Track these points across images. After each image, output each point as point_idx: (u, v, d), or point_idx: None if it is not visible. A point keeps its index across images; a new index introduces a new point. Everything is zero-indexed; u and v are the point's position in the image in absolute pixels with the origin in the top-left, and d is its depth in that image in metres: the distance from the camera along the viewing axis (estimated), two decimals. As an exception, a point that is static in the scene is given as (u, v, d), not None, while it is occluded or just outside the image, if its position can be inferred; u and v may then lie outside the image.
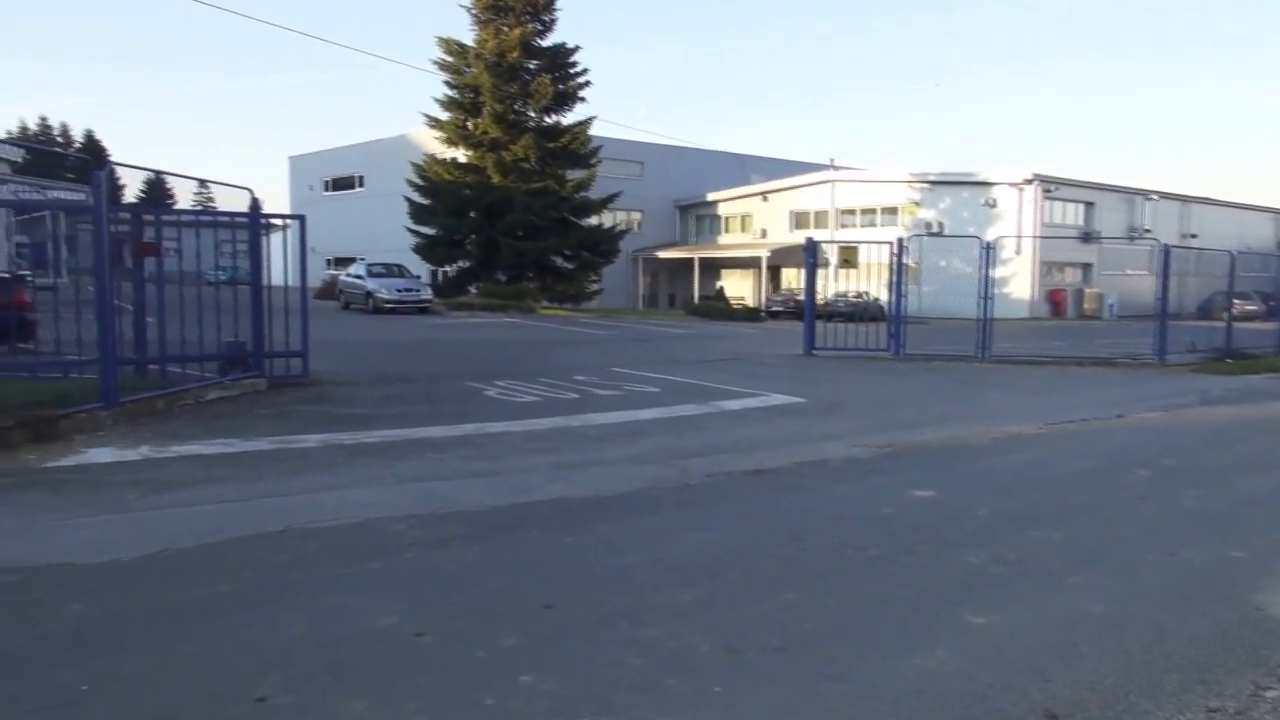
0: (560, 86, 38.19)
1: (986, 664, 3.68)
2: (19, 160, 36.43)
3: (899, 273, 18.45)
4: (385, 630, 3.89)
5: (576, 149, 38.37)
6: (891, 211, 44.24)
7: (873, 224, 44.35)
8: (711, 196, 51.92)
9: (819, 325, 18.75)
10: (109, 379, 8.76)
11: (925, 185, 43.37)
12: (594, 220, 40.11)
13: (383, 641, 3.78)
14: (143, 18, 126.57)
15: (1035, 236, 38.23)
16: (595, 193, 38.89)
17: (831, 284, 23.45)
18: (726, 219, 52.68)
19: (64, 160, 51.81)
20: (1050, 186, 41.43)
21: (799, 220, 47.65)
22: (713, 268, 49.74)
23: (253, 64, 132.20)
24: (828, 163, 50.29)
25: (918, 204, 43.37)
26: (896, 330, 18.23)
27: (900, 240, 18.96)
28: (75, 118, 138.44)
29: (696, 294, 46.29)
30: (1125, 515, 6.29)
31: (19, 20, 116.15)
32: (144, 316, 10.41)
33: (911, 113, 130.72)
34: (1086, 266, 44.03)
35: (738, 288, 47.82)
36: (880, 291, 23.43)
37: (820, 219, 46.48)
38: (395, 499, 6.30)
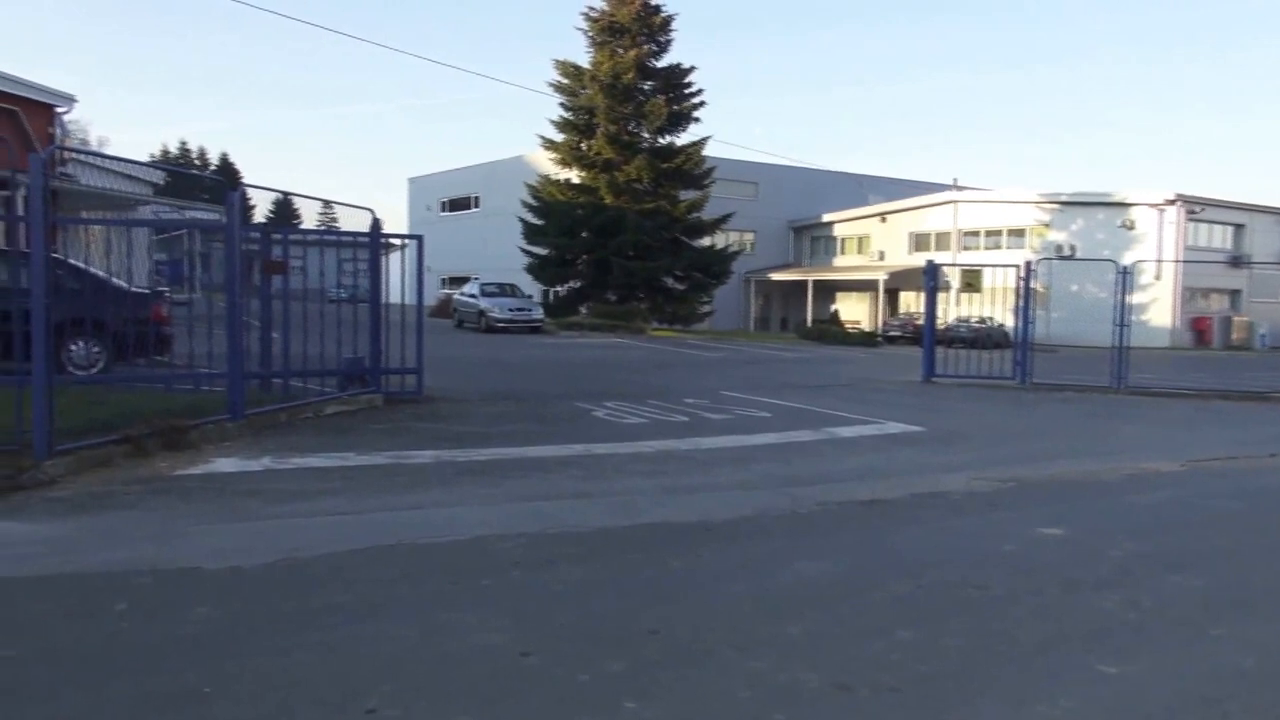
0: (674, 107, 38.53)
1: (1118, 718, 3.50)
2: (160, 182, 38.91)
3: (1026, 297, 17.87)
4: (491, 648, 3.96)
5: (690, 169, 38.59)
6: (1018, 233, 42.92)
7: (998, 246, 43.14)
8: (827, 217, 51.39)
9: (939, 351, 18.30)
10: (236, 392, 9.23)
11: (1056, 206, 41.95)
12: (706, 241, 40.21)
13: (489, 659, 3.85)
14: (275, 46, 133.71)
15: (1177, 261, 36.46)
16: (708, 213, 39.01)
17: (953, 308, 22.88)
18: (842, 240, 52.04)
19: (200, 182, 54.99)
20: (1195, 207, 39.53)
21: (919, 242, 46.71)
22: (827, 290, 49.16)
23: (377, 89, 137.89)
24: (950, 182, 49.26)
25: (1047, 225, 41.96)
26: (1022, 357, 17.62)
27: (1028, 263, 18.37)
28: (212, 142, 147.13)
29: (810, 317, 45.82)
30: (1277, 562, 5.91)
31: (166, 52, 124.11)
32: (270, 332, 10.93)
33: (1040, 130, 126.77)
34: (1235, 293, 41.77)
35: (853, 311, 47.13)
36: (1005, 317, 22.72)
37: (942, 241, 45.45)
38: (504, 517, 6.41)
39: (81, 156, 33.08)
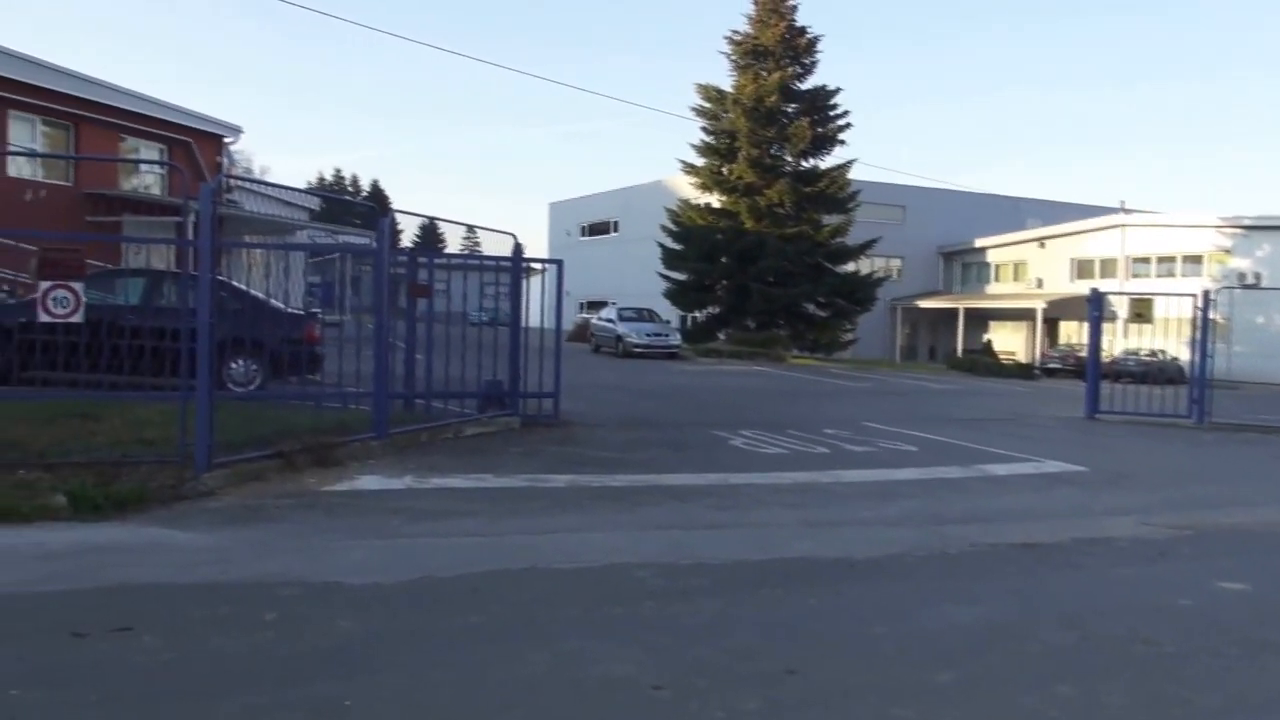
0: (819, 130, 38.22)
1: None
2: (315, 208, 41.16)
3: (1204, 329, 16.80)
4: (623, 679, 3.97)
5: (834, 193, 38.15)
6: (1195, 260, 40.54)
7: (1171, 274, 40.85)
8: (980, 242, 49.80)
9: (1104, 386, 17.39)
10: (381, 412, 9.62)
11: (1239, 230, 39.43)
12: (850, 267, 39.60)
13: (620, 691, 3.86)
14: (424, 74, 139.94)
15: (1380, 290, 33.65)
16: (852, 238, 38.42)
17: (1120, 340, 21.74)
18: (996, 266, 50.31)
19: (352, 208, 57.91)
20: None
21: (1082, 269, 44.72)
22: (979, 319, 47.51)
23: (521, 115, 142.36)
24: (1117, 205, 46.99)
25: (1228, 251, 39.47)
26: (1200, 394, 16.56)
27: (1206, 292, 17.29)
28: (364, 169, 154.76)
29: (960, 347, 44.40)
30: None
31: (323, 83, 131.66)
32: (414, 354, 11.37)
33: (1220, 148, 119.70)
34: None
35: (1007, 341, 45.38)
36: (1179, 350, 21.44)
37: (1107, 267, 43.38)
38: (638, 545, 6.44)
39: (245, 184, 35.34)
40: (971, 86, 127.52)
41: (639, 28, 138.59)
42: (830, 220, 38.39)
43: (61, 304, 7.53)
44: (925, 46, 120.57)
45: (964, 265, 52.02)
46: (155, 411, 9.08)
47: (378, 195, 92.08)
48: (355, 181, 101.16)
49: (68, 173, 25.36)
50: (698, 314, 40.91)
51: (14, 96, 23.37)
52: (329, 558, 5.81)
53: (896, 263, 49.67)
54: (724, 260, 38.24)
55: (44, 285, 7.58)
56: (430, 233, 64.81)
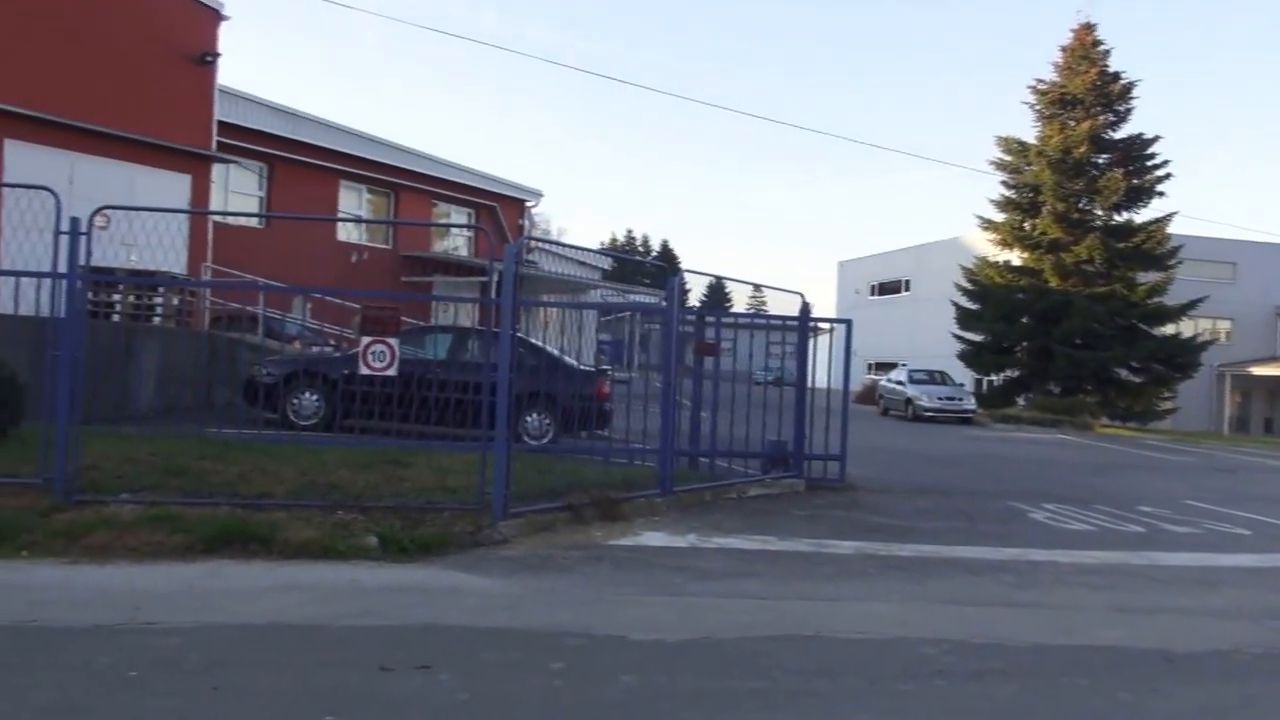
0: (1134, 181, 35.52)
1: None
2: (607, 268, 43.42)
3: None
4: (915, 764, 3.74)
5: (1150, 249, 35.16)
6: None
7: None
8: (1328, 302, 43.85)
9: None
10: (666, 469, 9.86)
11: None
12: (1169, 329, 36.18)
13: (912, 777, 3.63)
14: (715, 133, 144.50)
15: None
16: (1173, 297, 35.10)
17: None
18: (1350, 330, 44.05)
19: (642, 267, 60.52)
20: None
21: None
22: (1331, 389, 41.66)
23: (808, 172, 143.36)
24: None
25: None
26: None
27: None
28: (654, 229, 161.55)
29: (1307, 419, 39.08)
30: None
31: (615, 146, 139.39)
32: (699, 412, 11.57)
33: None
34: None
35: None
36: None
37: None
38: (927, 619, 6.14)
39: (544, 245, 37.96)
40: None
41: (932, 81, 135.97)
42: (1147, 278, 35.36)
43: (379, 358, 8.32)
44: (1256, 87, 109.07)
45: (1310, 327, 45.97)
46: (457, 460, 9.80)
47: (667, 255, 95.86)
48: (645, 241, 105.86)
49: (387, 236, 28.40)
50: (994, 377, 38.91)
51: (345, 168, 26.65)
52: (614, 611, 5.96)
53: (1225, 325, 44.80)
54: (1024, 321, 36.23)
55: (364, 340, 8.41)
56: (717, 291, 66.32)
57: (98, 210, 7.98)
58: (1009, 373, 37.90)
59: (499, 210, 31.23)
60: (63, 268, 7.74)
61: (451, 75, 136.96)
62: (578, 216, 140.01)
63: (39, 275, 8.43)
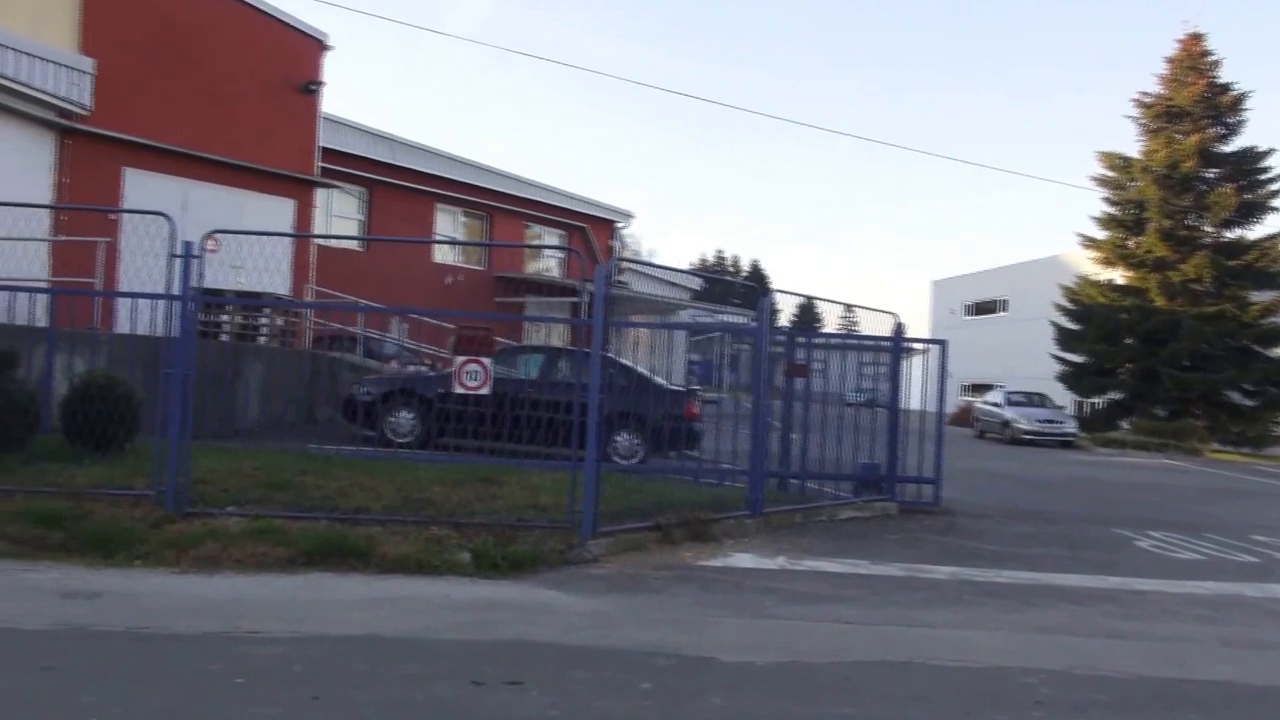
0: (1246, 196, 34.09)
1: None
2: (697, 288, 43.48)
3: None
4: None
5: (1264, 267, 33.65)
6: None
7: None
8: None
9: None
10: (756, 490, 9.80)
11: None
12: (1285, 350, 34.53)
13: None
14: (807, 153, 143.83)
15: None
16: (1288, 318, 33.51)
17: None
18: None
19: (732, 287, 60.44)
20: None
21: None
22: None
23: (901, 190, 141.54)
24: None
25: None
26: None
27: None
28: (744, 248, 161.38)
29: None
30: None
31: (705, 166, 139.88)
32: (789, 433, 11.49)
33: None
34: None
35: None
36: None
37: None
38: (1026, 649, 5.97)
39: (634, 266, 38.25)
40: None
41: (1030, 96, 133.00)
42: (1260, 297, 33.83)
43: (473, 377, 8.48)
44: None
45: None
46: (548, 479, 9.91)
47: (757, 275, 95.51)
48: (735, 261, 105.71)
49: (481, 258, 28.98)
50: (1096, 400, 37.65)
51: (441, 192, 27.34)
52: (703, 632, 5.95)
53: (1349, 346, 42.48)
54: (1128, 341, 35.00)
55: (459, 360, 8.59)
56: (807, 311, 65.75)
57: (209, 235, 8.35)
58: (1111, 395, 36.65)
59: (590, 232, 31.60)
60: (176, 290, 8.10)
61: (544, 97, 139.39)
62: (668, 236, 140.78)
63: (154, 297, 8.85)
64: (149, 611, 5.68)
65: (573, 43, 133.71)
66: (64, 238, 14.78)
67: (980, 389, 42.42)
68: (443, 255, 28.16)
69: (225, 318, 15.29)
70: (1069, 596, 7.72)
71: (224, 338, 15.19)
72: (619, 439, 12.76)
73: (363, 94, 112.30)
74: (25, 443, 9.24)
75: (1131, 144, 36.61)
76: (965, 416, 35.78)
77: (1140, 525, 12.02)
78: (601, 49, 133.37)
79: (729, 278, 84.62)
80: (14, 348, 9.52)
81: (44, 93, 15.09)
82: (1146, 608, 7.52)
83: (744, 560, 8.33)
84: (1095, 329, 35.72)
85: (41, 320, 11.54)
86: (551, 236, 31.61)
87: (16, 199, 12.88)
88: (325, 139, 20.79)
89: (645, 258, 65.41)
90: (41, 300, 11.97)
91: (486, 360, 8.53)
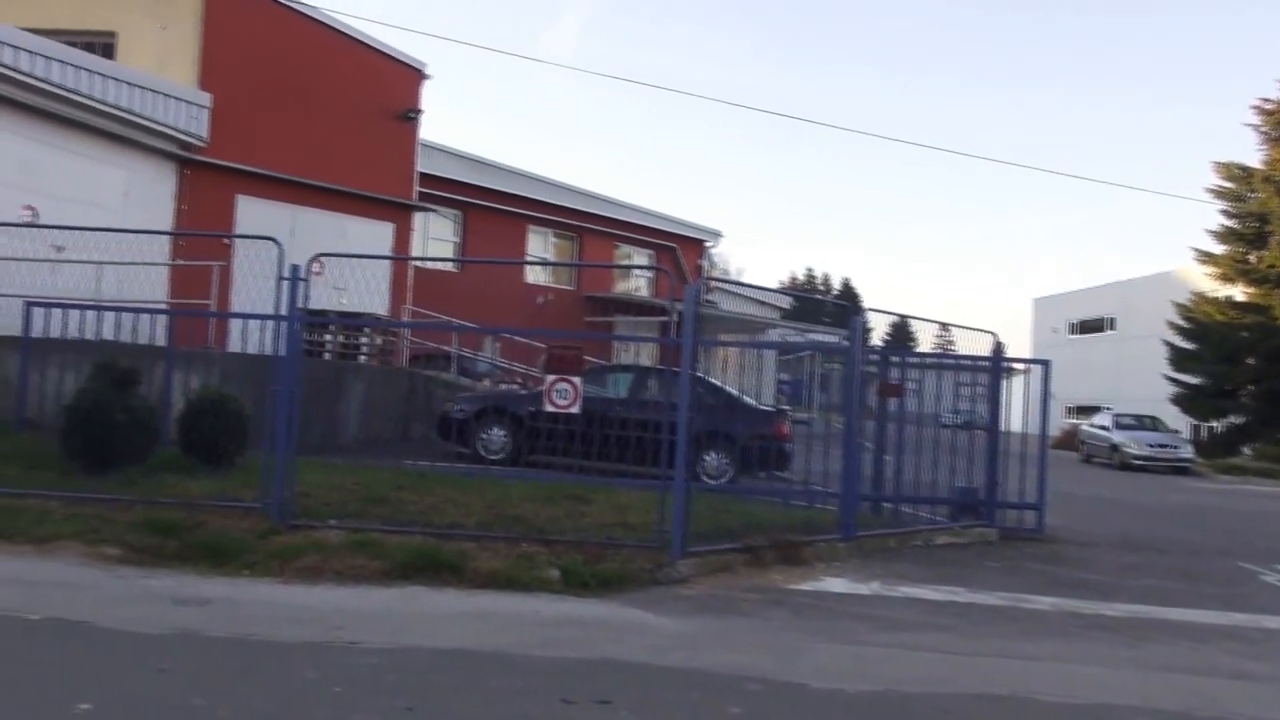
0: (1379, 208, 32.42)
1: None
2: (786, 307, 43.20)
3: None
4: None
5: (1396, 282, 31.92)
6: None
7: None
8: None
9: None
10: (849, 513, 9.66)
11: None
12: None
13: None
14: (899, 168, 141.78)
15: None
16: None
17: None
18: None
19: (823, 306, 59.87)
20: None
21: None
22: None
23: (1001, 205, 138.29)
24: None
25: None
26: None
27: None
28: (835, 266, 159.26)
29: None
30: None
31: (796, 184, 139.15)
32: (883, 455, 11.31)
33: None
34: None
35: None
36: None
37: None
38: (1139, 687, 5.73)
39: (723, 285, 38.19)
40: None
41: (1137, 106, 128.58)
42: (1395, 316, 32.07)
43: (563, 395, 8.60)
44: None
45: None
46: (636, 498, 9.95)
47: (848, 293, 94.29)
48: (826, 279, 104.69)
49: (571, 278, 29.37)
50: (1215, 424, 36.09)
51: (533, 214, 27.85)
52: (794, 658, 5.89)
53: None
54: (1250, 362, 33.49)
55: (549, 378, 8.73)
56: (900, 330, 64.73)
57: (314, 258, 8.67)
58: (1232, 419, 35.09)
59: (679, 251, 31.71)
60: (284, 310, 8.45)
61: (633, 118, 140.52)
62: (757, 255, 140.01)
63: (263, 317, 9.23)
64: (255, 619, 5.91)
65: (663, 62, 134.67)
66: (182, 262, 15.57)
67: (1085, 411, 41.05)
68: (534, 276, 28.63)
69: (328, 337, 15.80)
70: (1186, 632, 7.36)
71: (327, 356, 15.70)
72: (707, 458, 12.74)
73: (457, 118, 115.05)
74: (146, 456, 9.69)
75: (1251, 153, 35.06)
76: (1070, 440, 34.69)
77: (1267, 558, 11.42)
78: (690, 68, 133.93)
79: (819, 296, 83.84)
80: (137, 366, 10.00)
81: (167, 126, 16.05)
82: (1275, 646, 7.13)
83: (836, 585, 8.21)
84: (1213, 349, 34.31)
85: (161, 340, 12.13)
86: (640, 256, 31.84)
87: (145, 225, 13.62)
88: (422, 164, 21.41)
89: (734, 276, 65.29)
90: (161, 321, 12.59)
91: (576, 379, 8.64)
